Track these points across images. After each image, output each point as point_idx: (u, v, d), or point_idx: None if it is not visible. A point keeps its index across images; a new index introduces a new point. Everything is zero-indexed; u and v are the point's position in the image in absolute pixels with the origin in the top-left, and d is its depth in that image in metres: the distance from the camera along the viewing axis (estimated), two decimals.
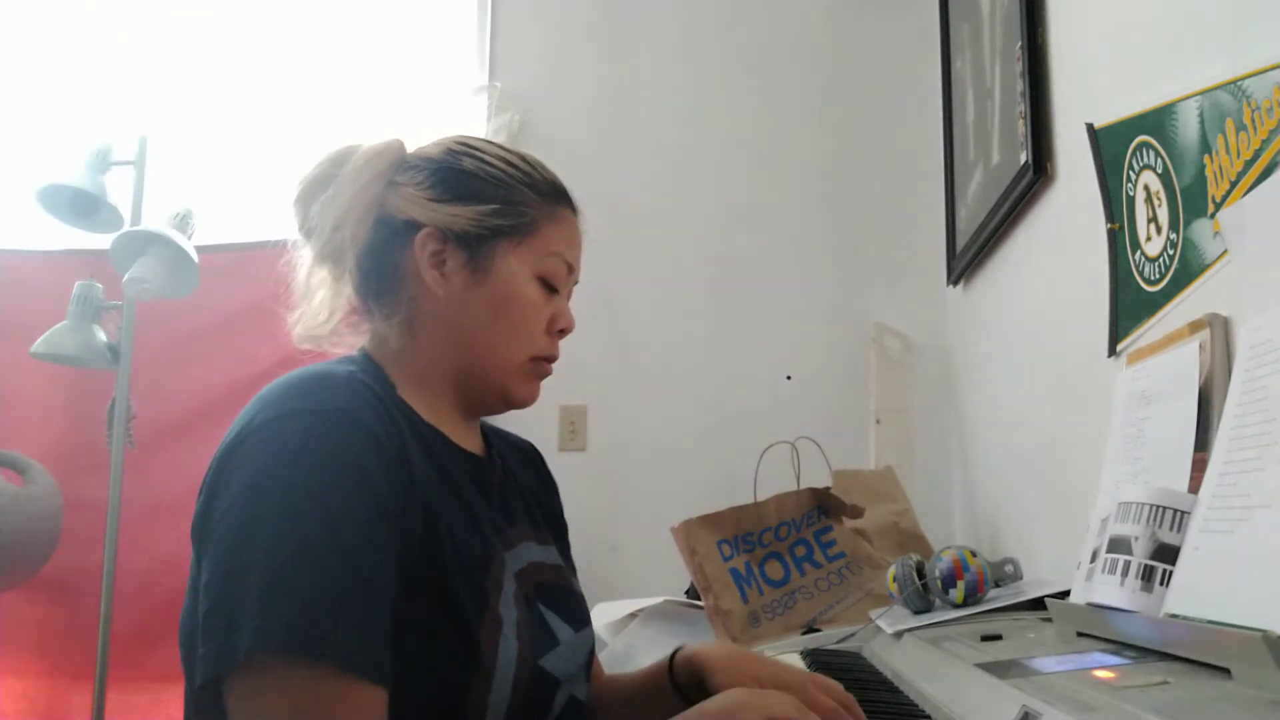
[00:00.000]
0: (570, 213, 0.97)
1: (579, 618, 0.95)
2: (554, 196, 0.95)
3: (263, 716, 0.69)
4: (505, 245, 0.91)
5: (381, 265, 0.91)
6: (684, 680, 0.99)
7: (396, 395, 0.87)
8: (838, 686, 0.89)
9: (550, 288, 0.94)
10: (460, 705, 0.79)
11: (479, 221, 0.90)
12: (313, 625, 0.69)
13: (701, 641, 1.04)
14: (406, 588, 0.77)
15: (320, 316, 0.95)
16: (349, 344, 0.95)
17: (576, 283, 0.99)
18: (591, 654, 0.98)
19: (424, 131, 0.99)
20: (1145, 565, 0.81)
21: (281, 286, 0.98)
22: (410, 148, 0.95)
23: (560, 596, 0.94)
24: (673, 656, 1.02)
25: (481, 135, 2.53)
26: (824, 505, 1.80)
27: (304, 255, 0.95)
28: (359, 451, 0.76)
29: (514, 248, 0.91)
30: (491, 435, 1.03)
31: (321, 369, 0.84)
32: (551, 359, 0.96)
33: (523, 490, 1.01)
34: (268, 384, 0.81)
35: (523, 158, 0.96)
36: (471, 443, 0.95)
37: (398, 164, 0.93)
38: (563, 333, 0.96)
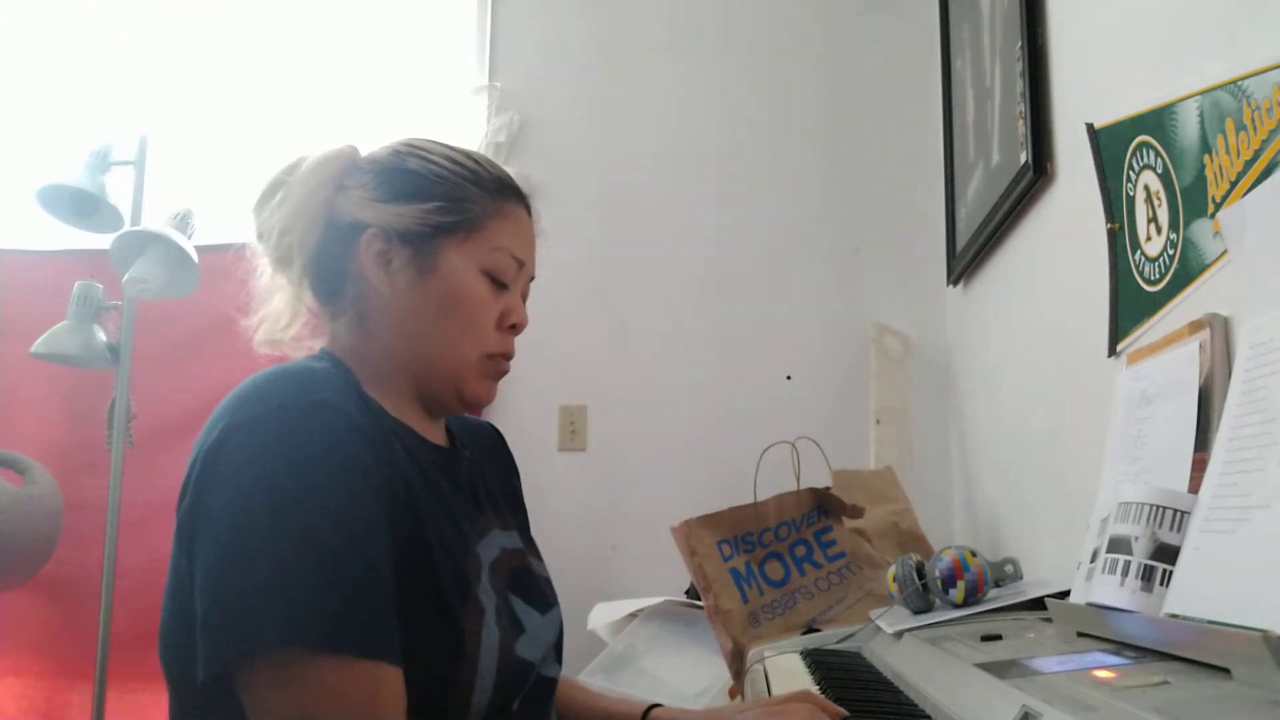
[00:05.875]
0: (520, 208, 0.97)
1: (544, 601, 0.96)
2: (500, 192, 0.95)
3: (288, 707, 0.70)
4: (449, 242, 0.91)
5: (331, 266, 0.92)
6: None
7: (363, 392, 0.87)
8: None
9: (499, 283, 0.93)
10: (446, 692, 0.80)
11: (422, 219, 0.90)
12: (333, 616, 0.71)
13: (679, 707, 1.06)
14: (398, 575, 0.77)
15: (281, 321, 0.96)
16: (308, 346, 0.96)
17: (532, 278, 0.98)
18: (561, 633, 0.99)
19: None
20: (1145, 565, 0.81)
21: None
22: (364, 152, 0.95)
23: (526, 581, 0.95)
24: (645, 713, 1.04)
25: (481, 136, 2.47)
26: (824, 505, 1.80)
27: (263, 261, 0.96)
28: (349, 441, 0.77)
29: (458, 244, 0.91)
30: (453, 424, 1.03)
31: (297, 365, 0.84)
32: (506, 356, 0.95)
33: (486, 477, 1.02)
34: (241, 381, 0.81)
35: (469, 155, 0.95)
36: (436, 436, 0.96)
37: (347, 168, 0.93)
38: (514, 329, 0.95)
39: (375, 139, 0.98)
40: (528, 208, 0.98)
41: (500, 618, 0.86)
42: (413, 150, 0.94)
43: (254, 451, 0.75)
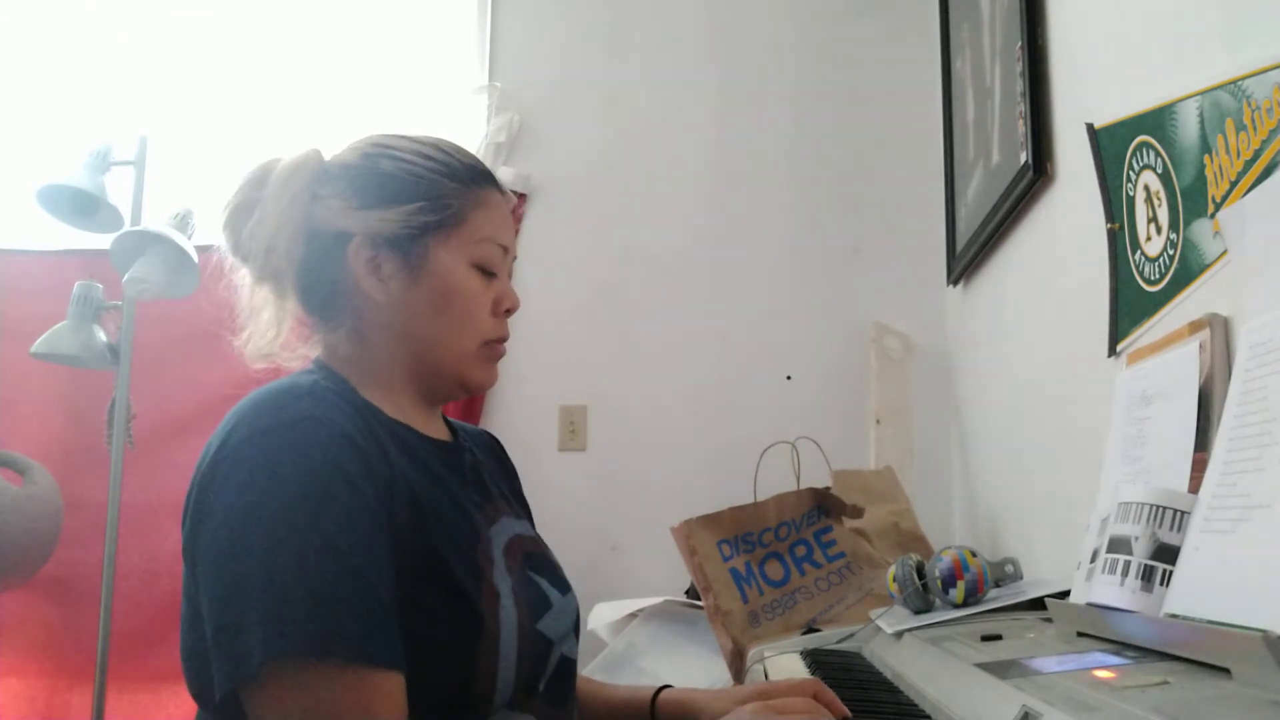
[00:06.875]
0: (494, 192, 0.97)
1: (562, 583, 0.99)
2: (475, 181, 0.95)
3: (288, 718, 0.72)
4: (436, 240, 0.92)
5: (321, 279, 0.93)
6: None
7: (360, 397, 0.89)
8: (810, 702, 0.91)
9: (488, 272, 0.95)
10: (470, 678, 0.82)
11: (406, 222, 0.91)
12: (319, 625, 0.72)
13: (689, 687, 1.06)
14: (406, 575, 0.79)
15: (269, 334, 0.96)
16: (301, 355, 0.97)
17: (515, 259, 1.00)
18: (578, 615, 1.01)
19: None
20: (1145, 565, 0.81)
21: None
22: (328, 156, 0.95)
23: (544, 564, 0.98)
24: (655, 695, 1.05)
25: (481, 136, 2.46)
26: (824, 505, 1.80)
27: (243, 276, 0.96)
28: (337, 455, 0.78)
29: (445, 241, 0.92)
30: (455, 425, 1.06)
31: (286, 383, 0.85)
32: (502, 339, 0.97)
33: (490, 471, 1.04)
34: (237, 402, 0.83)
35: (438, 146, 0.96)
36: (438, 431, 0.98)
37: (318, 176, 0.93)
38: (509, 312, 0.97)
39: (293, 152, 0.96)
40: (500, 189, 0.99)
41: (518, 597, 0.87)
42: (382, 150, 0.94)
43: (243, 477, 0.77)
